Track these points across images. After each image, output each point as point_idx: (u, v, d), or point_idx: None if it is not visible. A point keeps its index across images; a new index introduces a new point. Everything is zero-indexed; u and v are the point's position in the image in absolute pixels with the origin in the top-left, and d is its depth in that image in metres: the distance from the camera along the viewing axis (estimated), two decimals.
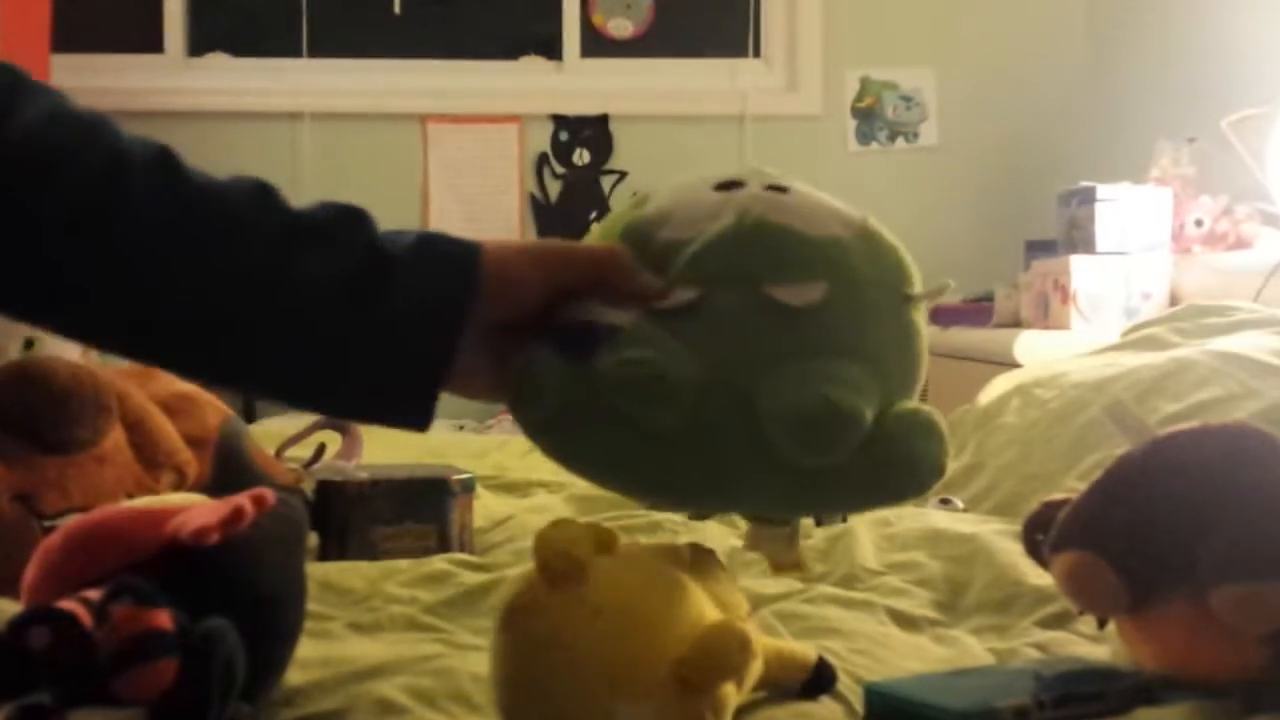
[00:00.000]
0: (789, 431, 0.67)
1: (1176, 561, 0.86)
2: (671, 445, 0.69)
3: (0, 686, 0.69)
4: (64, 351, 1.79)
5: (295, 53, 3.84)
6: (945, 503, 1.59)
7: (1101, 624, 0.95)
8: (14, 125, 0.66)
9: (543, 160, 3.83)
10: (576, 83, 3.89)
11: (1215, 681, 0.85)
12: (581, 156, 3.84)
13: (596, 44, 3.93)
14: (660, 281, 0.72)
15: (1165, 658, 0.89)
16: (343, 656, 0.92)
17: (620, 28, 3.94)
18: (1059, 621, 1.07)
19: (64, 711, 0.69)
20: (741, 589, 0.86)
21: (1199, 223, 2.80)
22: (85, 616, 0.71)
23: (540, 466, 1.65)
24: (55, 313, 0.70)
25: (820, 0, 3.87)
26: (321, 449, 1.68)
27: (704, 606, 0.76)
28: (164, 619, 0.71)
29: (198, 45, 3.88)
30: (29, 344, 2.09)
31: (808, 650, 0.88)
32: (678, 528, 1.39)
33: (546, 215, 3.83)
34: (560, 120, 3.84)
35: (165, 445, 1.29)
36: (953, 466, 1.76)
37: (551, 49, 3.93)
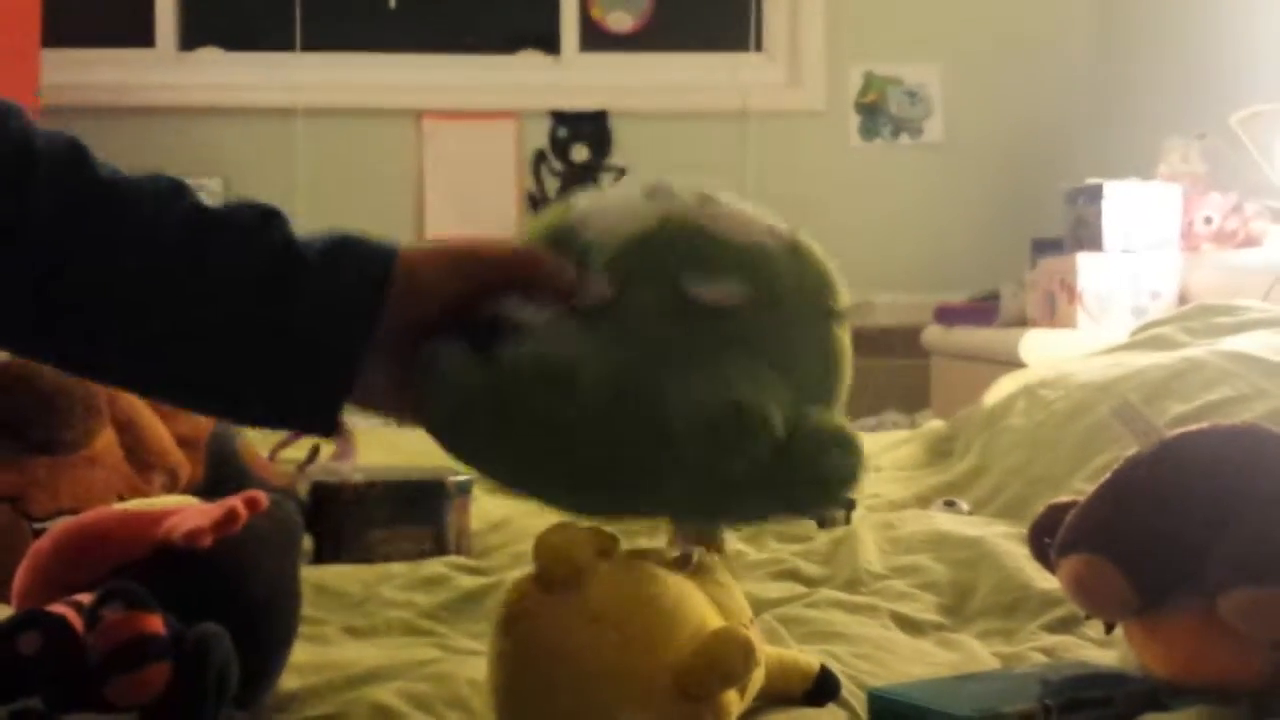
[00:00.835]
0: (695, 431, 0.66)
1: (1186, 566, 0.85)
2: (576, 442, 0.67)
3: None
4: None
5: (288, 47, 3.81)
6: (950, 505, 1.58)
7: (1109, 628, 0.95)
8: None
9: (540, 157, 3.81)
10: (575, 77, 3.87)
11: (1223, 687, 0.84)
12: (580, 153, 3.82)
13: (595, 38, 3.91)
14: (575, 279, 0.71)
15: (1173, 663, 0.88)
16: (338, 661, 0.92)
17: (619, 21, 3.92)
18: (1066, 626, 1.07)
19: (55, 717, 0.69)
20: (744, 593, 0.86)
21: (1208, 220, 2.78)
22: (76, 621, 0.72)
23: None
24: None
25: None
26: (316, 450, 1.67)
27: (706, 612, 0.75)
28: (156, 623, 0.71)
29: (190, 39, 3.85)
30: None
31: (810, 659, 0.88)
32: None
33: None
34: (558, 116, 3.81)
35: (157, 446, 1.29)
36: (958, 468, 1.78)
37: (549, 43, 3.91)
